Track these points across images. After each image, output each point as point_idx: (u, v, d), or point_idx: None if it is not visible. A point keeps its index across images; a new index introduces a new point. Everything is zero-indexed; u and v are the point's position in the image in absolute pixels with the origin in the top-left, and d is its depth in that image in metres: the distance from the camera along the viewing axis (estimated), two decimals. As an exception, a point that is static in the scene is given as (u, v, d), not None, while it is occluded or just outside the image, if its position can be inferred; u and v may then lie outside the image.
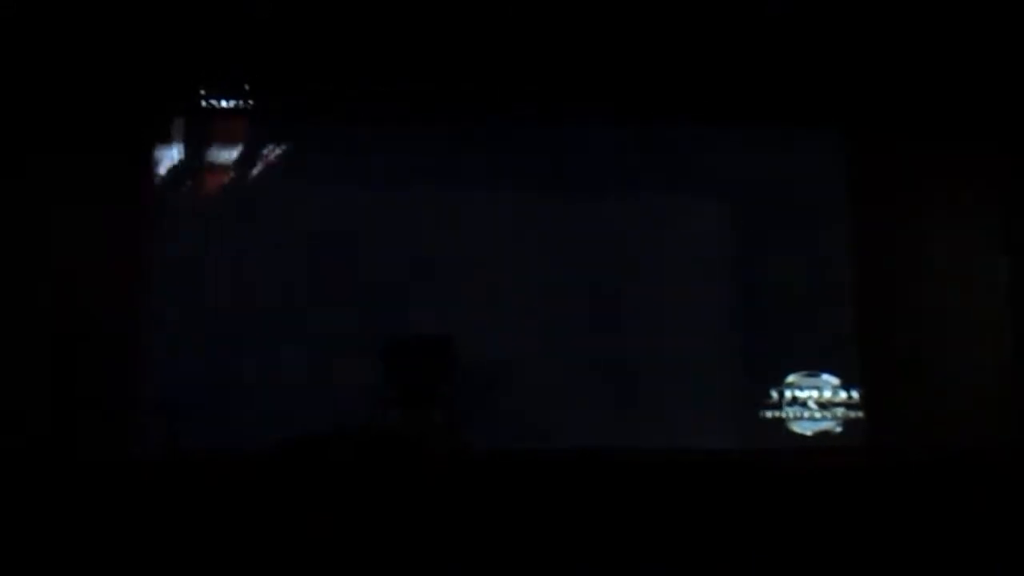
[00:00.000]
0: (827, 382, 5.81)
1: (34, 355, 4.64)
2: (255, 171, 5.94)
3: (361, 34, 5.30)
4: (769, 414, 5.78)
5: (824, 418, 5.78)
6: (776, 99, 5.88)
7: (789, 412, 5.78)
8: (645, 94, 5.84)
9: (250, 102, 5.95)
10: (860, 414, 5.75)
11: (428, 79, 5.75)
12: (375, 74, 5.72)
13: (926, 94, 5.75)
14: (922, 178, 5.88)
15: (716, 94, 5.83)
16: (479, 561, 2.70)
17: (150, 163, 5.80)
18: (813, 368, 5.82)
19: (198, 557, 2.59)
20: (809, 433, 5.77)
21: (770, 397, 5.80)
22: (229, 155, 5.94)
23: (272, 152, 5.98)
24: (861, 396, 5.75)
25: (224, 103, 5.96)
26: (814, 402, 5.79)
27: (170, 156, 5.87)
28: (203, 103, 5.94)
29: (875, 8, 5.10)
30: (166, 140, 5.88)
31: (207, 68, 5.69)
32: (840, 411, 5.77)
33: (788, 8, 4.97)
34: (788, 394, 5.80)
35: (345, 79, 5.81)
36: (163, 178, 5.84)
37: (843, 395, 5.79)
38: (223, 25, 5.13)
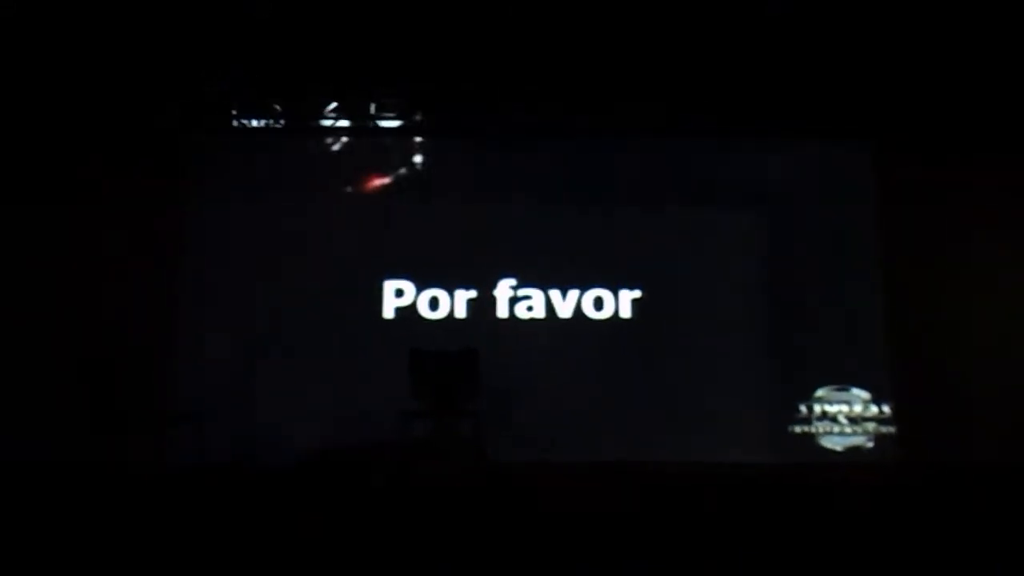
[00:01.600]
0: (857, 396, 5.75)
1: (69, 370, 4.71)
2: (284, 187, 6.01)
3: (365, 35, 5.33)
4: (799, 429, 5.73)
5: (854, 433, 5.71)
6: (806, 112, 5.87)
7: (819, 427, 5.72)
8: (672, 108, 5.86)
9: (278, 121, 6.04)
10: (891, 428, 5.68)
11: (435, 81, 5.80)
12: (376, 75, 5.78)
13: (955, 105, 5.70)
14: (953, 189, 5.81)
15: (744, 106, 5.82)
16: (504, 572, 2.69)
17: (181, 180, 5.90)
18: (843, 382, 5.77)
19: (226, 564, 2.61)
20: (839, 448, 5.70)
21: (800, 411, 5.75)
22: (258, 171, 6.02)
23: (300, 167, 6.06)
24: (892, 410, 5.68)
25: (254, 121, 6.06)
26: (844, 417, 5.72)
27: (201, 173, 5.97)
28: (233, 121, 6.05)
29: (913, 21, 5.06)
30: (197, 157, 5.98)
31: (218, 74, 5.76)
32: (871, 426, 5.70)
33: (788, 8, 4.94)
34: (818, 408, 5.74)
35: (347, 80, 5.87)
36: (194, 195, 5.94)
37: (874, 409, 5.72)
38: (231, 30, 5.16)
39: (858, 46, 5.29)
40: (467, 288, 5.88)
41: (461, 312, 5.85)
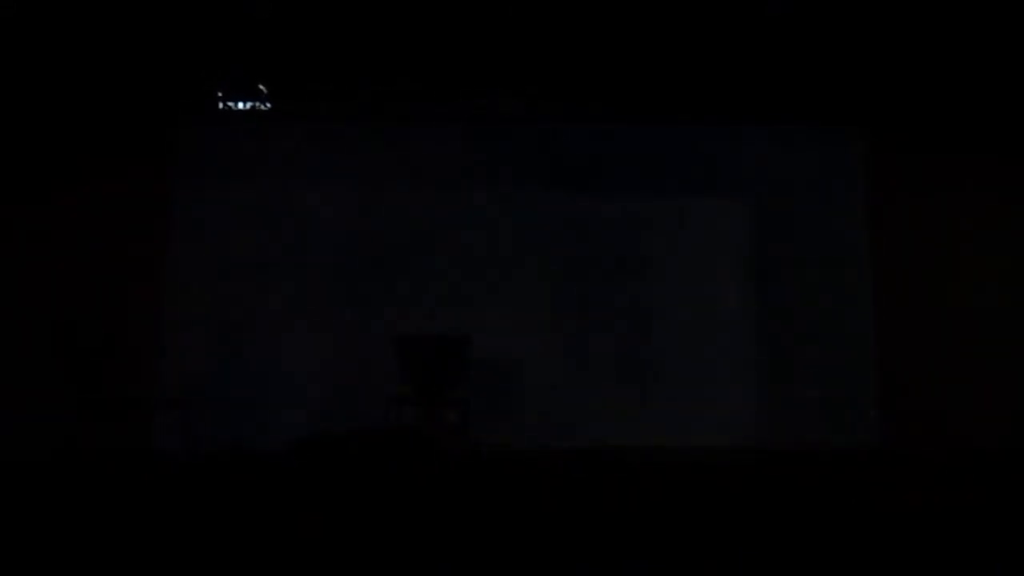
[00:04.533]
0: (836, 382, 5.80)
1: (59, 356, 4.71)
2: (268, 172, 5.97)
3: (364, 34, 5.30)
4: (780, 414, 5.78)
5: (834, 419, 5.77)
6: (795, 99, 5.88)
7: (800, 412, 5.77)
8: (657, 96, 5.86)
9: (265, 104, 5.97)
10: (869, 415, 5.75)
11: (431, 79, 5.79)
12: (376, 74, 5.74)
13: (946, 96, 5.75)
14: (941, 180, 5.88)
15: (734, 95, 5.84)
16: (491, 559, 2.72)
17: (166, 166, 5.85)
18: (824, 368, 5.82)
19: (214, 549, 2.63)
20: (820, 434, 5.75)
21: (781, 397, 5.80)
22: (243, 157, 5.98)
23: (284, 153, 6.01)
24: (875, 396, 5.75)
25: (239, 105, 5.98)
26: (825, 403, 5.78)
27: (186, 159, 5.92)
28: (218, 106, 5.97)
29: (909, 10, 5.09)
30: (182, 144, 5.93)
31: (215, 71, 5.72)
32: (850, 412, 5.76)
33: (788, 7, 4.95)
34: (800, 394, 5.79)
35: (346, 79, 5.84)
36: (179, 181, 5.89)
37: (853, 396, 5.78)
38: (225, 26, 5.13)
39: (854, 39, 5.31)
40: (454, 275, 5.88)
41: (448, 299, 5.85)
